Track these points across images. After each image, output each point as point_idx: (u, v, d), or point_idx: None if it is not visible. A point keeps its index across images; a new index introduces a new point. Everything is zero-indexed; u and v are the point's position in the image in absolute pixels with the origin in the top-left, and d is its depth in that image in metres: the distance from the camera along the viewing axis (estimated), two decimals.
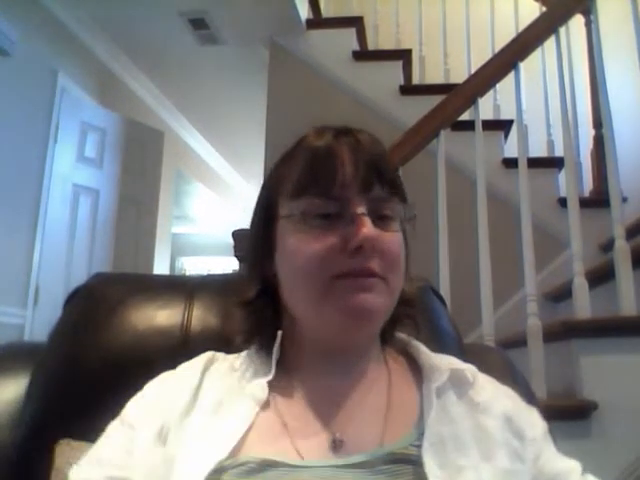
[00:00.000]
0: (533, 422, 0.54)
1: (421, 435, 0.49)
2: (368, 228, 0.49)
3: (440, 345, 0.73)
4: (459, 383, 0.55)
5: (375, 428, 0.50)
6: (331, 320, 0.50)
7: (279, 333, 0.56)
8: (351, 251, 0.49)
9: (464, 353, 0.75)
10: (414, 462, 0.47)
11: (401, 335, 0.61)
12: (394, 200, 0.53)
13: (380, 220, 0.52)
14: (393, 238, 0.52)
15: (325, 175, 0.51)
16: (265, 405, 0.51)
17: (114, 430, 0.53)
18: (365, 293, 0.49)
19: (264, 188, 0.58)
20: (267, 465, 0.46)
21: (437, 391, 0.52)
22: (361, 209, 0.50)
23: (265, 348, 0.57)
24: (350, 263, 0.49)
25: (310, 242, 0.50)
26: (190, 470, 0.46)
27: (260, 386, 0.52)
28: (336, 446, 0.48)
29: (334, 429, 0.50)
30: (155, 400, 0.53)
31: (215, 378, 0.54)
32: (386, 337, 0.59)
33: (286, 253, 0.53)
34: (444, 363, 0.55)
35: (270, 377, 0.53)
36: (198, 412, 0.51)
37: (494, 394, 0.55)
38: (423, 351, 0.58)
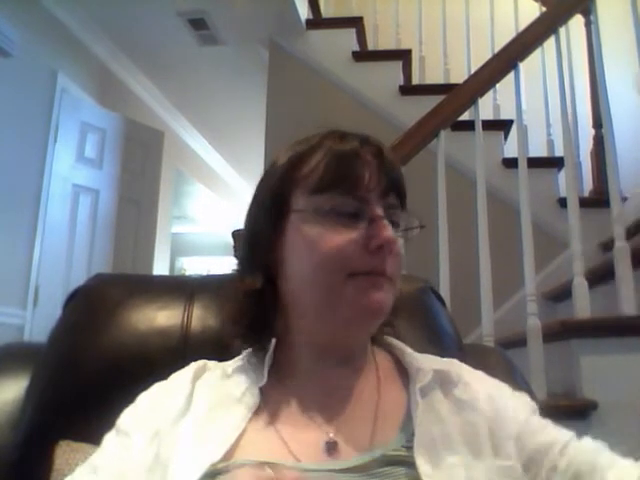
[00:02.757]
0: (516, 407, 0.54)
1: (411, 436, 0.49)
2: (389, 231, 0.52)
3: (440, 345, 0.73)
4: (444, 382, 0.55)
5: (367, 428, 0.51)
6: (344, 316, 0.52)
7: (273, 341, 0.56)
8: (372, 250, 0.51)
9: (464, 353, 0.75)
10: (407, 463, 0.47)
11: (386, 337, 0.62)
12: (402, 209, 0.57)
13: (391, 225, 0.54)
14: (400, 243, 0.55)
15: (352, 176, 0.53)
16: (258, 411, 0.52)
17: (109, 440, 0.53)
18: (379, 291, 0.52)
19: (274, 180, 0.57)
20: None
21: (422, 391, 0.53)
22: (381, 212, 0.53)
23: (261, 351, 0.57)
24: (369, 261, 0.51)
25: (331, 236, 0.51)
26: (183, 473, 0.46)
27: (252, 392, 0.53)
28: (330, 448, 0.49)
29: (327, 430, 0.51)
30: (148, 408, 0.54)
31: (207, 386, 0.55)
32: (375, 338, 0.60)
33: (301, 246, 0.53)
34: (427, 363, 0.56)
35: (262, 383, 0.54)
36: (191, 418, 0.51)
37: (478, 392, 0.55)
38: (407, 352, 0.59)
